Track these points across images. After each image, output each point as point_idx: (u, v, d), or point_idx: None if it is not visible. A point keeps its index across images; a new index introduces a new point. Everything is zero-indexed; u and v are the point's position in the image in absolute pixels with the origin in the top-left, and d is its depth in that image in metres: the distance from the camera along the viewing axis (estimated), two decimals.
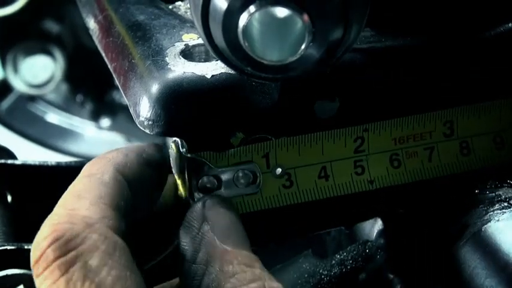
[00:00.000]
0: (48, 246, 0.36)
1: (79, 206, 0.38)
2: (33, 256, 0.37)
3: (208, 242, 0.39)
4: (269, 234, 0.48)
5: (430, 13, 0.49)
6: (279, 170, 0.45)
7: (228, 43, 0.39)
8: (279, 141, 0.45)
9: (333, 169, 0.46)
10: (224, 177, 0.45)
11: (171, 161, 0.45)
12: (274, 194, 0.46)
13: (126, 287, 0.35)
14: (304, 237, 0.53)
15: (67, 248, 0.36)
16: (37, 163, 0.66)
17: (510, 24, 0.49)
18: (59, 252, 0.36)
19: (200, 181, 0.44)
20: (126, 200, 0.40)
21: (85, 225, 0.37)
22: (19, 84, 1.43)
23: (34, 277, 0.37)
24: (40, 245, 0.37)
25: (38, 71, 1.42)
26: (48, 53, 1.42)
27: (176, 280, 0.46)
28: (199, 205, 0.42)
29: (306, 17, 0.37)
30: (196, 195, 0.44)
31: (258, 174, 0.45)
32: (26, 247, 0.53)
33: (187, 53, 0.46)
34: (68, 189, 0.40)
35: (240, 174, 0.45)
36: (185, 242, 0.40)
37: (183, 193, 0.45)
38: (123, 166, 0.42)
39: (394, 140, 0.47)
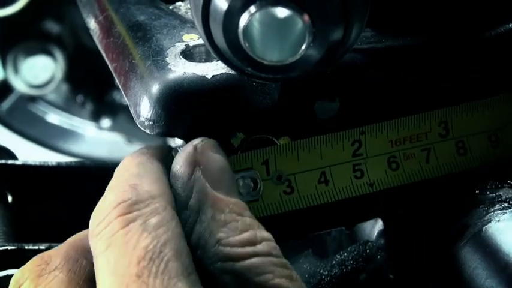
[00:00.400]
0: (113, 209, 0.38)
1: (141, 182, 0.39)
2: (94, 219, 0.38)
3: (200, 188, 0.40)
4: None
5: (430, 13, 0.49)
6: (279, 177, 0.46)
7: (228, 43, 0.39)
8: (277, 147, 0.45)
9: (332, 174, 0.46)
10: None
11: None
12: (276, 200, 0.46)
13: (178, 248, 0.36)
14: (305, 238, 0.53)
15: (131, 209, 0.38)
16: (37, 163, 0.66)
17: (510, 25, 0.49)
18: (122, 211, 0.38)
19: None
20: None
21: (149, 196, 0.38)
22: (19, 84, 1.43)
23: (91, 240, 0.38)
24: (104, 208, 0.38)
25: (38, 71, 1.42)
26: (49, 53, 1.42)
27: None
28: (190, 149, 0.41)
29: (306, 17, 0.37)
30: None
31: (259, 181, 0.45)
32: (26, 247, 0.53)
33: (188, 54, 0.46)
34: (120, 175, 0.41)
35: (241, 183, 0.45)
36: (177, 186, 0.41)
37: None
38: (161, 161, 0.43)
39: (390, 142, 0.47)
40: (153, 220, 0.37)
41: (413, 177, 0.48)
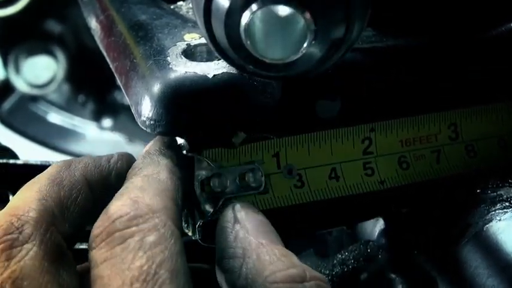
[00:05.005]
0: (111, 223, 0.37)
1: (143, 195, 0.39)
2: (94, 230, 0.38)
3: (243, 238, 0.40)
4: None
5: (431, 12, 0.49)
6: (289, 171, 0.46)
7: (230, 42, 0.39)
8: (288, 139, 0.45)
9: (343, 170, 0.47)
10: (227, 176, 0.45)
11: None
12: (286, 193, 0.46)
13: (173, 269, 0.35)
14: (306, 237, 0.53)
15: (129, 225, 0.37)
16: (39, 163, 0.66)
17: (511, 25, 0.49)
18: (120, 227, 0.37)
19: (206, 180, 0.44)
20: (181, 199, 0.41)
21: (148, 210, 0.38)
22: (21, 84, 1.43)
23: (89, 251, 0.37)
24: (104, 220, 0.38)
25: (39, 71, 1.42)
26: (50, 53, 1.42)
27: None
28: (229, 209, 0.42)
29: (308, 15, 0.37)
30: (198, 191, 0.44)
31: (261, 174, 0.45)
32: None
33: (189, 53, 0.46)
34: (124, 186, 0.40)
35: (251, 178, 0.45)
36: (221, 241, 0.41)
37: None
38: (175, 168, 0.42)
39: (400, 142, 0.48)
40: (151, 238, 0.36)
41: (424, 176, 0.48)
